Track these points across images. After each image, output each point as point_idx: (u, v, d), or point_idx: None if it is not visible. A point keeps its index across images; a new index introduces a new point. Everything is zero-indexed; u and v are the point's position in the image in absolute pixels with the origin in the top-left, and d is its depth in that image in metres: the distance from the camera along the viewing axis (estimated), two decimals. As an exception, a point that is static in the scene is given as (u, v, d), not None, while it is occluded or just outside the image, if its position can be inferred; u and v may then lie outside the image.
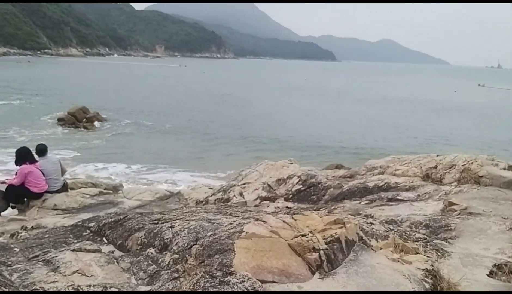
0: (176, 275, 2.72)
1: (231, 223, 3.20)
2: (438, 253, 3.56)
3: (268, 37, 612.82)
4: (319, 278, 2.69)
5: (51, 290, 2.73)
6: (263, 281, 2.51)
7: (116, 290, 2.70)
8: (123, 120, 29.39)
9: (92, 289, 2.69)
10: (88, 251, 3.32)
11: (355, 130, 30.04)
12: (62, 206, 7.59)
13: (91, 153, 20.01)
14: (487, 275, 3.22)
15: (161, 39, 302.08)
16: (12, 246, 3.96)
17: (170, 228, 3.32)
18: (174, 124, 29.20)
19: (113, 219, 3.85)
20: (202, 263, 2.69)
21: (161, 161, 19.12)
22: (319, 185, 8.52)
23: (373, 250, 3.16)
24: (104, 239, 3.71)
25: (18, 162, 7.89)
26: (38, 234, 4.31)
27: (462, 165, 7.37)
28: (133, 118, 30.33)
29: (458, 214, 5.35)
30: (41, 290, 2.76)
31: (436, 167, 7.75)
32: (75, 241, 3.79)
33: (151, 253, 3.11)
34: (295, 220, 3.17)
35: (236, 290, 2.42)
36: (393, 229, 3.97)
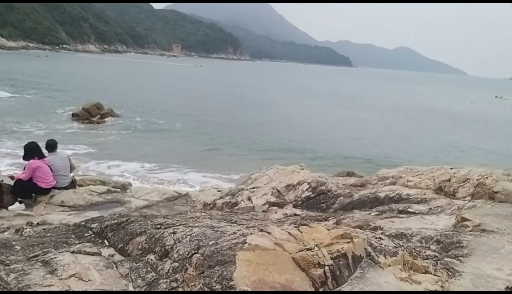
0: (174, 284, 2.63)
1: (234, 232, 3.10)
2: (449, 273, 3.42)
3: (284, 40, 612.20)
4: (322, 296, 2.58)
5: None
6: (263, 297, 2.41)
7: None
8: (136, 117, 29.48)
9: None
10: (88, 253, 3.25)
11: (368, 138, 29.77)
12: (69, 203, 7.55)
13: (105, 149, 20.04)
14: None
15: (178, 38, 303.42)
16: (14, 243, 3.91)
17: (172, 234, 3.23)
18: (187, 124, 29.21)
19: (115, 221, 3.77)
20: (202, 274, 2.59)
21: (173, 160, 19.08)
22: (329, 193, 8.39)
23: (381, 267, 3.04)
24: (105, 241, 3.64)
25: (26, 157, 7.87)
26: (41, 232, 4.26)
27: (476, 180, 7.18)
28: (146, 116, 30.41)
29: (470, 231, 5.19)
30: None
31: (449, 180, 7.57)
32: (76, 242, 3.72)
33: (151, 260, 3.02)
34: (301, 232, 3.06)
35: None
36: (402, 245, 3.84)
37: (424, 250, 3.96)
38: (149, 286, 2.73)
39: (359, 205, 7.42)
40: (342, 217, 6.45)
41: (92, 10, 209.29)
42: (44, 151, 8.24)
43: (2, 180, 7.75)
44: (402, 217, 6.36)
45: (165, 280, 2.72)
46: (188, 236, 3.14)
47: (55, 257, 3.18)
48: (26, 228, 5.58)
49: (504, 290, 3.30)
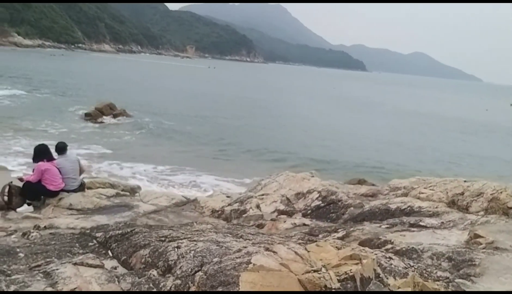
0: (176, 304, 2.56)
1: (239, 250, 3.02)
2: (461, 296, 3.30)
3: (299, 43, 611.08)
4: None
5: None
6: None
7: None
8: (149, 118, 29.56)
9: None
10: (90, 266, 3.19)
11: (381, 144, 29.52)
12: (77, 206, 7.53)
13: (117, 150, 20.05)
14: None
15: (193, 40, 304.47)
16: (18, 250, 3.88)
17: (176, 249, 3.17)
18: (199, 126, 29.24)
19: (120, 231, 3.72)
20: (204, 295, 2.52)
21: (185, 163, 19.04)
22: (339, 203, 8.28)
23: (390, 289, 2.94)
24: (109, 252, 3.59)
25: (35, 159, 7.88)
26: (46, 239, 4.22)
27: (490, 194, 7.01)
28: (158, 117, 30.49)
29: (483, 248, 5.05)
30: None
31: (462, 193, 7.41)
32: (80, 251, 3.68)
33: (153, 276, 2.96)
34: (308, 251, 2.97)
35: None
36: (413, 266, 3.73)
37: (435, 270, 3.85)
38: (150, 304, 2.66)
39: (369, 217, 7.30)
40: (351, 229, 6.34)
41: (108, 10, 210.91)
42: (54, 153, 8.25)
43: (12, 182, 7.76)
44: (414, 231, 6.23)
45: (166, 299, 2.65)
46: (192, 251, 3.07)
47: (57, 269, 3.13)
48: (33, 232, 5.56)
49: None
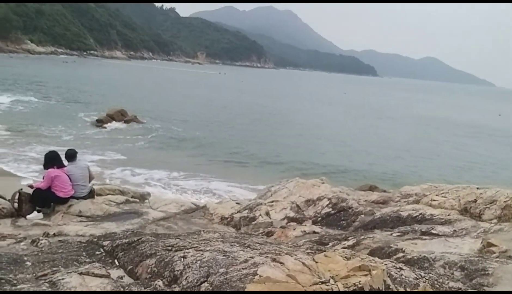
0: (181, 316, 2.51)
1: (246, 260, 2.97)
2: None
3: (309, 49, 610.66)
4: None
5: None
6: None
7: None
8: (160, 124, 29.66)
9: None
10: (96, 275, 3.16)
11: (392, 150, 29.31)
12: (86, 213, 7.54)
13: (129, 156, 20.11)
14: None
15: (203, 46, 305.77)
16: (25, 259, 3.86)
17: (182, 258, 3.12)
18: (210, 133, 29.28)
19: (127, 240, 3.69)
20: (209, 307, 2.47)
21: (197, 168, 19.07)
22: (350, 210, 8.19)
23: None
24: (115, 261, 3.56)
25: (46, 165, 7.91)
26: (53, 247, 4.20)
27: (504, 202, 6.88)
28: (169, 123, 30.58)
29: (497, 257, 4.94)
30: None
31: (475, 201, 7.28)
32: (87, 260, 3.65)
33: (159, 286, 2.92)
34: (316, 262, 2.91)
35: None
36: (424, 276, 3.64)
37: (447, 281, 3.76)
38: (155, 316, 2.62)
39: (380, 224, 7.20)
40: (362, 237, 6.25)
41: (120, 17, 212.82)
42: (64, 160, 8.28)
43: (22, 189, 7.80)
44: (425, 239, 6.12)
45: (172, 311, 2.61)
46: (199, 262, 3.03)
47: (63, 279, 3.10)
48: (42, 239, 5.56)
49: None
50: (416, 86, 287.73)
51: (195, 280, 2.82)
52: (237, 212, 8.05)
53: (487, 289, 3.94)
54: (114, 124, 27.49)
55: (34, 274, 3.37)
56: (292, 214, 8.68)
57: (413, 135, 38.59)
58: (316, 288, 2.57)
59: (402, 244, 5.72)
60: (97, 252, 3.77)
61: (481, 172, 25.07)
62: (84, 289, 2.92)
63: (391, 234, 6.48)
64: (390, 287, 2.98)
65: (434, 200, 7.87)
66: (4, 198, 7.79)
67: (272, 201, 9.72)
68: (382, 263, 3.36)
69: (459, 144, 35.64)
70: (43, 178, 7.86)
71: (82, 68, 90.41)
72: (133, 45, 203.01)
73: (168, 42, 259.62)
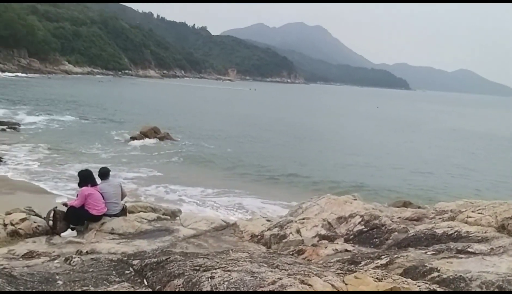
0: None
1: (274, 281, 2.93)
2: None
3: (339, 63, 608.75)
4: None
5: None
6: None
7: None
8: (192, 141, 29.97)
9: None
10: (125, 296, 3.18)
11: (426, 165, 28.67)
12: (119, 231, 7.65)
13: (163, 172, 20.29)
14: None
15: (234, 63, 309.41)
16: (57, 277, 3.93)
17: (209, 279, 3.11)
18: (242, 149, 29.33)
19: (155, 259, 3.71)
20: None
21: (230, 185, 19.07)
22: (383, 228, 8.00)
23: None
24: (144, 281, 3.57)
25: (80, 184, 8.11)
26: (84, 266, 4.27)
27: (544, 219, 6.61)
28: (201, 140, 30.84)
29: (536, 277, 4.73)
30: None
31: (514, 217, 7.01)
32: (116, 279, 3.69)
33: (187, 307, 2.91)
34: (346, 284, 2.85)
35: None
36: (460, 298, 3.51)
37: (484, 304, 3.61)
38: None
39: (414, 242, 7.00)
40: (395, 255, 6.10)
41: (153, 37, 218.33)
42: (97, 178, 8.46)
43: (56, 207, 8.00)
44: (461, 258, 5.92)
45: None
46: (226, 283, 3.01)
47: (93, 299, 3.14)
48: (75, 257, 5.66)
49: None
50: (450, 99, 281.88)
51: (223, 302, 2.80)
52: (267, 230, 7.99)
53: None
54: (147, 141, 27.99)
55: (65, 295, 3.42)
56: (323, 232, 8.56)
57: (448, 149, 37.71)
58: (345, 311, 2.51)
59: (437, 263, 5.54)
60: (127, 271, 3.81)
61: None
62: (113, 309, 2.94)
63: (426, 252, 6.30)
64: (423, 310, 2.88)
65: (470, 217, 7.62)
66: (40, 216, 8.01)
67: (303, 218, 9.63)
68: (415, 284, 3.26)
69: (496, 158, 34.57)
70: (77, 196, 8.05)
71: (117, 87, 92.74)
72: (166, 63, 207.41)
73: (200, 60, 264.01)
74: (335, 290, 2.69)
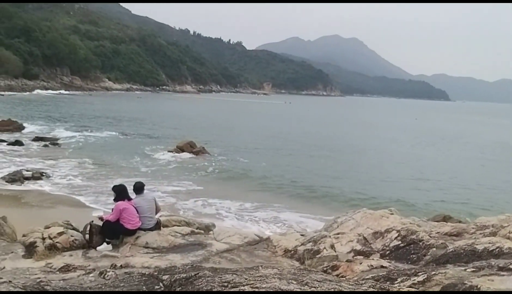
0: None
1: (302, 299, 2.86)
2: None
3: (376, 75, 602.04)
4: None
5: None
6: None
7: None
8: (227, 156, 30.07)
9: None
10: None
11: (466, 178, 27.81)
12: (153, 245, 7.73)
13: (200, 187, 20.32)
14: None
15: (269, 77, 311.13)
16: (89, 291, 3.98)
17: (237, 296, 3.07)
18: (278, 163, 29.16)
19: (185, 275, 3.71)
20: None
21: (266, 199, 18.97)
22: (420, 243, 7.76)
23: None
24: (173, 296, 3.57)
25: (116, 198, 8.26)
26: (116, 281, 4.31)
27: None
28: (237, 155, 30.89)
29: None
30: None
31: (559, 233, 6.68)
32: (147, 294, 3.70)
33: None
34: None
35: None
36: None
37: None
38: None
39: (453, 259, 6.76)
40: (433, 272, 5.88)
41: (189, 53, 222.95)
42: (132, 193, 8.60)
43: (92, 221, 8.17)
44: (503, 275, 5.64)
45: None
46: (253, 300, 2.97)
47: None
48: (109, 271, 5.73)
49: None
50: (491, 109, 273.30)
51: (249, 319, 2.76)
52: (301, 245, 7.89)
53: None
54: (184, 156, 28.33)
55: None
56: (358, 247, 8.39)
57: (490, 162, 36.48)
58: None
59: (477, 281, 5.30)
60: (157, 287, 3.81)
61: None
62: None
63: (465, 269, 6.05)
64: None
65: (512, 233, 7.31)
66: (77, 230, 8.20)
67: (338, 233, 9.47)
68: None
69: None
70: (112, 211, 8.20)
71: (155, 102, 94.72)
72: (202, 79, 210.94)
73: (235, 75, 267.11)
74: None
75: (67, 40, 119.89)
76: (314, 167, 28.56)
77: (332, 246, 7.71)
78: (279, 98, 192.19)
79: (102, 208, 14.95)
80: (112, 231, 8.04)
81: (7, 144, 26.91)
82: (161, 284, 3.82)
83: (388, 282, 5.06)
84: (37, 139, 29.91)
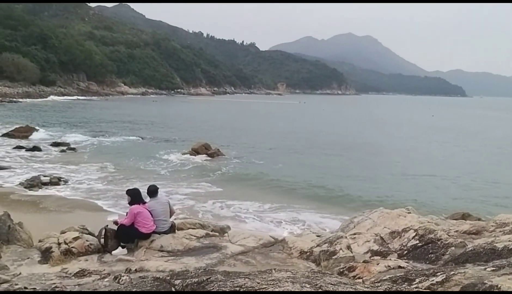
0: None
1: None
2: None
3: (391, 73, 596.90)
4: None
5: None
6: None
7: None
8: (241, 157, 30.04)
9: None
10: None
11: (484, 175, 27.32)
12: (167, 248, 7.72)
13: (216, 189, 20.33)
14: None
15: (283, 77, 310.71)
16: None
17: (249, 301, 3.02)
18: (293, 164, 29.03)
19: (197, 279, 3.67)
20: None
21: (283, 200, 18.85)
22: (439, 242, 7.62)
23: None
24: (185, 301, 3.53)
25: (131, 202, 8.27)
26: (129, 286, 4.29)
27: None
28: (252, 156, 30.80)
29: None
30: None
31: None
32: (159, 299, 3.67)
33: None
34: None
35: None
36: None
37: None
38: None
39: (472, 258, 6.61)
40: (452, 272, 5.75)
41: (203, 56, 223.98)
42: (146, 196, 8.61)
43: (107, 225, 8.20)
44: (525, 274, 5.52)
45: None
46: (265, 304, 2.91)
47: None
48: (123, 276, 5.74)
49: None
50: (509, 104, 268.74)
51: (261, 325, 2.71)
52: (317, 246, 7.80)
53: None
54: (199, 158, 28.40)
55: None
56: (376, 247, 8.28)
57: (509, 157, 35.85)
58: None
59: (497, 280, 5.16)
60: (168, 292, 3.79)
61: None
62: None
63: (485, 268, 5.91)
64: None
65: (534, 230, 7.13)
66: (93, 234, 8.24)
67: (355, 234, 9.37)
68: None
69: None
70: (126, 215, 8.22)
71: (170, 105, 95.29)
72: (216, 81, 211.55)
73: (249, 76, 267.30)
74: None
75: (83, 46, 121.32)
76: (330, 167, 28.37)
77: (349, 247, 7.61)
78: (294, 98, 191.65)
79: (120, 212, 15.01)
80: (127, 235, 8.05)
81: (26, 150, 27.28)
82: (173, 289, 3.79)
83: (406, 283, 4.97)
84: (55, 144, 30.30)
